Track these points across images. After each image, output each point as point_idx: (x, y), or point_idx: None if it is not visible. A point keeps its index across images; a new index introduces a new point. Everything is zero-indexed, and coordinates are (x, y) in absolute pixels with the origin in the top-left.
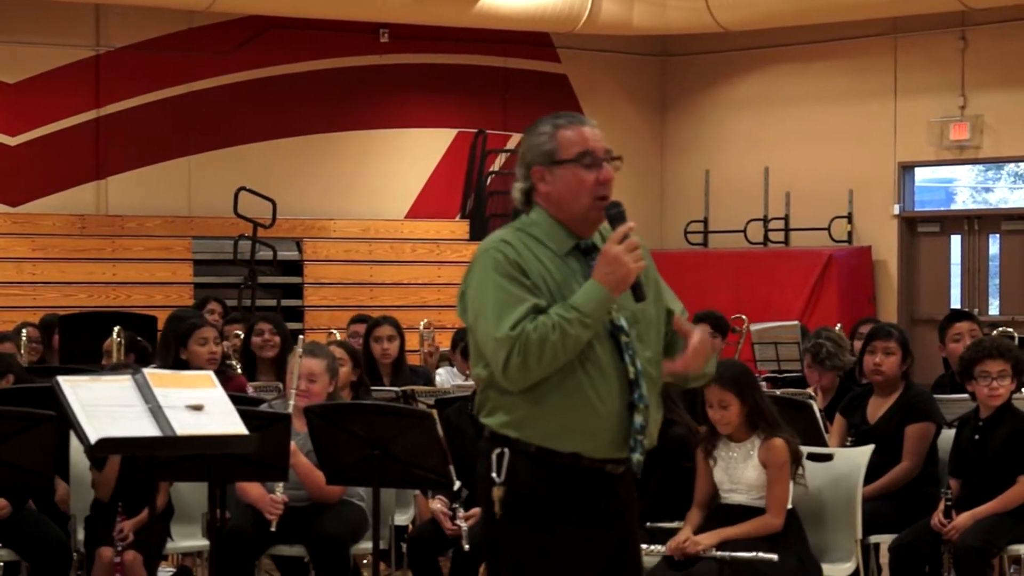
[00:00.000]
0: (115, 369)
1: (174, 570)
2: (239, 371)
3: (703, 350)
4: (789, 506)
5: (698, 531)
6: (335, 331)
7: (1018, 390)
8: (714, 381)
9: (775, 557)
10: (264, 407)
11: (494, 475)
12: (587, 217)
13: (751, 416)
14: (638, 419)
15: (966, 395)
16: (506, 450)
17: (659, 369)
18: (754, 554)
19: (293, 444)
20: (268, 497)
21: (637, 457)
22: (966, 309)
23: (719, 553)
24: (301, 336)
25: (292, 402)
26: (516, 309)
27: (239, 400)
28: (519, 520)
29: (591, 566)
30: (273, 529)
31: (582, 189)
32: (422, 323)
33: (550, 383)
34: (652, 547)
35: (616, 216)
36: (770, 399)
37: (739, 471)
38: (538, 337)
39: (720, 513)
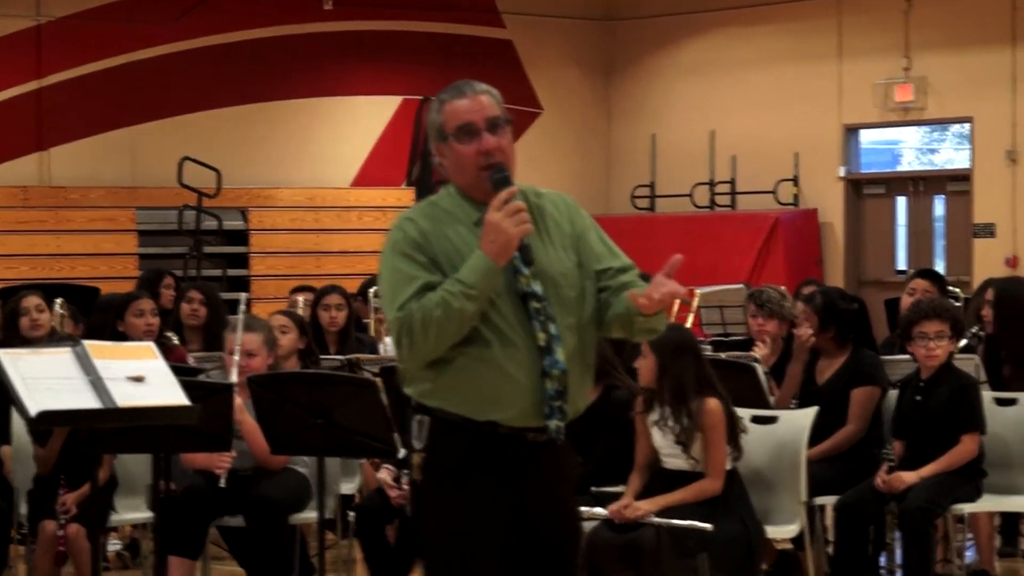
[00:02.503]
0: (57, 342)
1: (121, 542)
2: (175, 342)
3: (667, 300)
4: (728, 467)
5: (639, 496)
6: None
7: (963, 351)
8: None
9: (710, 527)
10: (202, 378)
11: (415, 442)
12: (479, 186)
13: (669, 384)
14: (551, 386)
15: (903, 356)
16: (426, 417)
17: (583, 335)
18: (689, 523)
19: (239, 402)
20: (215, 455)
21: (554, 424)
22: (909, 271)
23: (656, 520)
24: (243, 307)
25: (235, 372)
26: (406, 289)
27: (180, 371)
28: (438, 486)
29: (509, 534)
30: (222, 484)
31: (466, 162)
32: (372, 290)
33: (461, 354)
34: (594, 510)
35: (499, 181)
36: (712, 363)
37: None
38: (422, 316)
39: (660, 479)
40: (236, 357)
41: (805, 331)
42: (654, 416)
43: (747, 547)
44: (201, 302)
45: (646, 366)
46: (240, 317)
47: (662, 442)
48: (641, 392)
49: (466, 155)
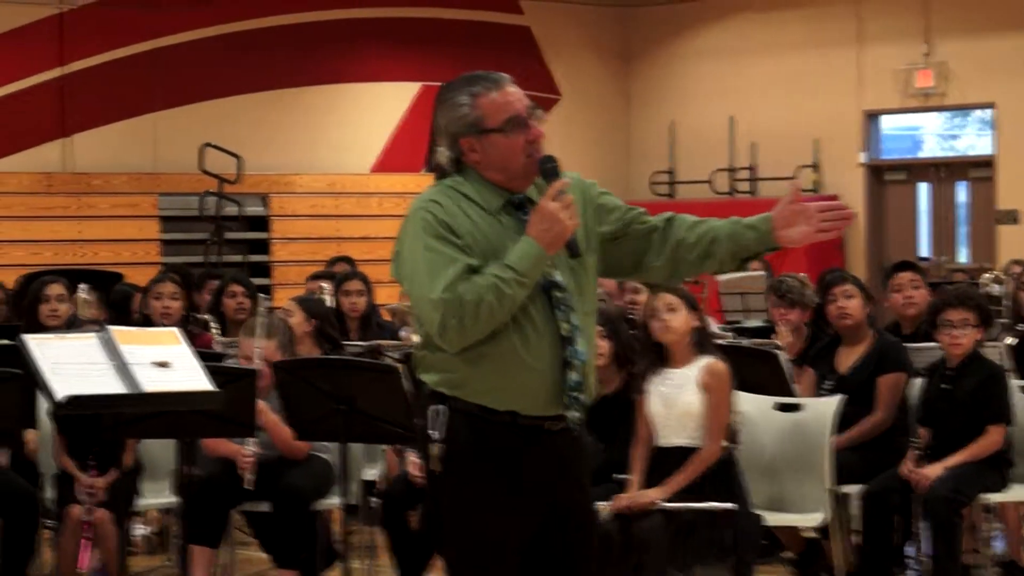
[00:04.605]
0: (81, 327)
1: (147, 528)
2: (215, 330)
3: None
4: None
5: (644, 476)
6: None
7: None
8: (662, 288)
9: (732, 506)
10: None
11: (432, 432)
12: (525, 175)
13: (699, 333)
14: (573, 376)
15: (923, 344)
16: (443, 407)
17: (594, 321)
18: (709, 504)
19: (261, 404)
20: (240, 451)
21: (573, 415)
22: (933, 258)
23: (670, 504)
24: (262, 310)
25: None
26: (449, 270)
27: (204, 356)
28: (458, 477)
29: (531, 523)
30: (249, 487)
31: (514, 152)
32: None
33: (484, 343)
34: (600, 503)
35: (550, 171)
36: (735, 350)
37: (676, 396)
38: (473, 298)
39: (658, 458)
40: (258, 362)
41: None
42: (657, 380)
43: (743, 532)
44: (244, 295)
45: (680, 321)
46: (259, 320)
47: (660, 406)
48: (648, 356)
49: (516, 146)
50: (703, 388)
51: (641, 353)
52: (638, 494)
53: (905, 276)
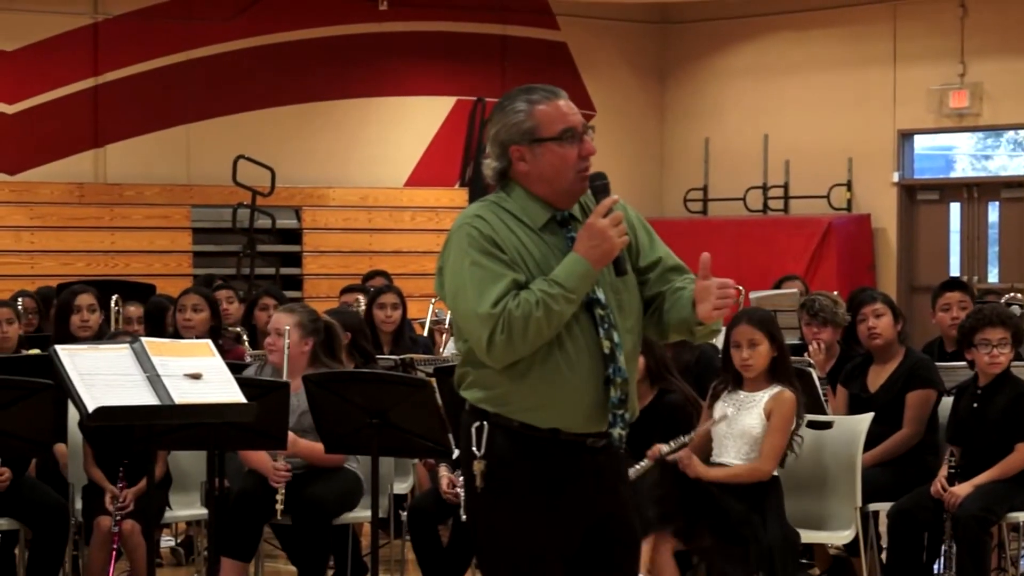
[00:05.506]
0: (113, 338)
1: (174, 539)
2: (245, 341)
3: (725, 304)
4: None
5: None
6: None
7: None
8: (744, 321)
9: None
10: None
11: (474, 449)
12: (571, 191)
13: (776, 362)
14: (615, 394)
15: (955, 363)
16: (485, 423)
17: (636, 338)
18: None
19: (292, 435)
20: (271, 466)
21: (618, 432)
22: (963, 277)
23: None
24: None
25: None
26: (496, 285)
27: (236, 368)
28: (500, 493)
29: (573, 539)
30: (279, 506)
31: (566, 165)
32: (432, 301)
33: (527, 360)
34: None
35: (600, 188)
36: None
37: (740, 417)
38: (522, 314)
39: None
40: (286, 340)
41: None
42: (726, 398)
43: (781, 553)
44: (276, 307)
45: (761, 354)
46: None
47: (722, 427)
48: (724, 376)
49: (570, 158)
50: (767, 414)
51: (720, 372)
52: (694, 464)
53: (954, 296)
